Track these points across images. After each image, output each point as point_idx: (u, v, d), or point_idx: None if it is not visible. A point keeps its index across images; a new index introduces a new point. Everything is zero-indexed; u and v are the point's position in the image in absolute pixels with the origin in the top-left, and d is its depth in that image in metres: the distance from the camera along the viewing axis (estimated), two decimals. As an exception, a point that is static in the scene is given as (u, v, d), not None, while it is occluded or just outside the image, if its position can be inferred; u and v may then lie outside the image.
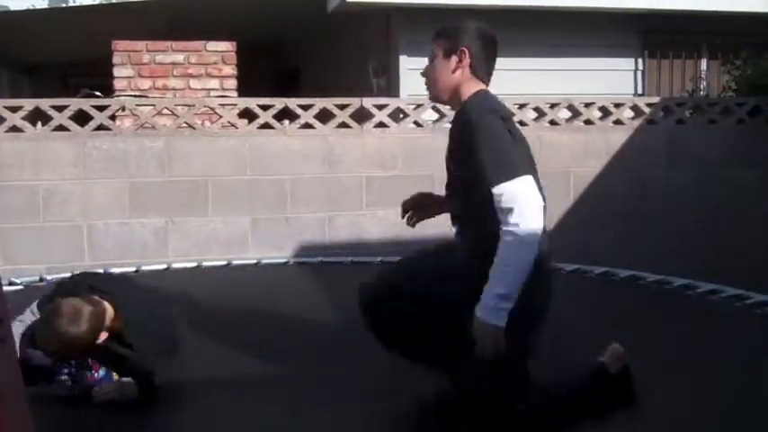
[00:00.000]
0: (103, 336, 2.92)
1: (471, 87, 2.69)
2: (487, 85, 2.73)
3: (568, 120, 6.55)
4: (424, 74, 2.83)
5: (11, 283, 5.06)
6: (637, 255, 5.99)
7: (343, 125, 6.07)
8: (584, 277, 5.37)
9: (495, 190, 2.44)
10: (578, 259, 5.60)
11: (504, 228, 2.41)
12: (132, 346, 3.01)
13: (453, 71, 2.70)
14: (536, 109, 6.45)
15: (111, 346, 2.99)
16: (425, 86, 2.84)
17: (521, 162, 2.50)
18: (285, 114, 6.14)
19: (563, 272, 5.47)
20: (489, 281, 2.45)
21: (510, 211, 2.41)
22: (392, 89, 7.56)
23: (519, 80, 7.48)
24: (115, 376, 3.06)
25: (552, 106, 6.46)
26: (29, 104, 5.71)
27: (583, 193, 6.47)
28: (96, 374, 3.07)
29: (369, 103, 6.15)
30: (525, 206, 2.41)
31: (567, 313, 4.25)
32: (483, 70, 2.71)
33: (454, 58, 2.68)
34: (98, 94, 6.49)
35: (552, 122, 6.46)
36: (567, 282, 5.27)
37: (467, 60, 2.67)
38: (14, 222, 5.47)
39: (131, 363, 3.00)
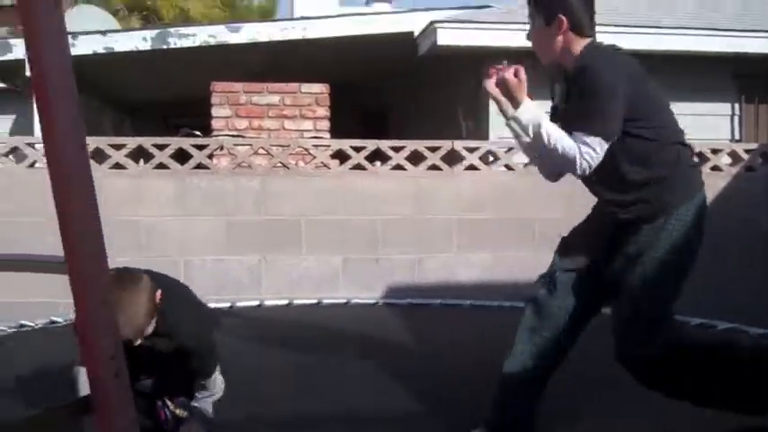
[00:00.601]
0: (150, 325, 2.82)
1: (578, 46, 2.74)
2: (593, 32, 2.80)
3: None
4: (528, 37, 2.91)
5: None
6: (736, 304, 5.81)
7: (434, 167, 6.11)
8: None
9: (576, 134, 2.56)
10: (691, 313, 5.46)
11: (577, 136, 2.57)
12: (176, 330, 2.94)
13: (556, 37, 2.75)
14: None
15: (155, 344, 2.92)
16: (533, 49, 2.91)
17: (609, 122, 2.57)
18: (376, 155, 6.22)
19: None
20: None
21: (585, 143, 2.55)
22: (481, 132, 7.57)
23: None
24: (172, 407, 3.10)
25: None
26: (132, 143, 5.94)
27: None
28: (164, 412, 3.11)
29: (460, 145, 6.19)
30: (581, 154, 2.58)
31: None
32: (585, 26, 2.76)
33: (554, 26, 2.73)
34: (197, 133, 6.71)
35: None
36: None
37: (566, 26, 2.72)
38: (117, 256, 5.64)
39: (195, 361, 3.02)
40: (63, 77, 1.12)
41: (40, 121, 1.14)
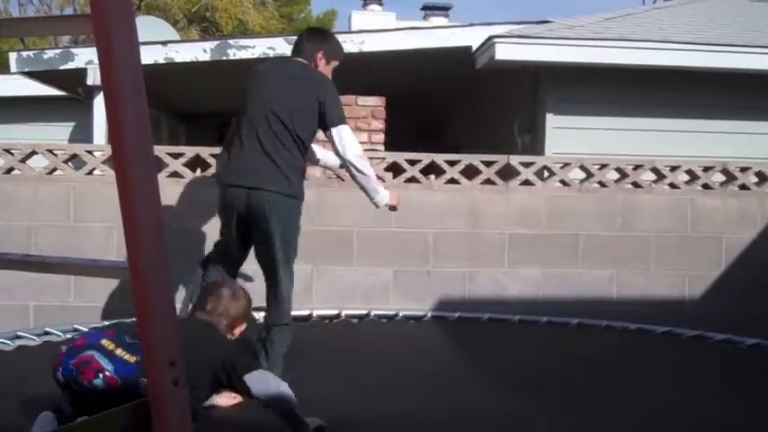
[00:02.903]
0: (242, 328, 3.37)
1: None
2: None
3: (722, 184, 6.33)
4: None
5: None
6: None
7: (489, 181, 6.08)
8: (735, 347, 5.13)
9: None
10: (729, 329, 5.37)
11: None
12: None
13: None
14: (688, 172, 6.27)
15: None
16: None
17: None
18: (431, 169, 6.21)
19: (713, 341, 5.27)
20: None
21: None
22: (537, 147, 7.53)
23: (671, 142, 7.32)
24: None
25: (706, 170, 6.26)
26: (189, 152, 6.02)
27: (736, 260, 6.21)
28: None
29: (515, 160, 6.15)
30: None
31: (717, 387, 4.08)
32: None
33: None
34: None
35: (705, 186, 6.26)
36: (715, 352, 5.06)
37: None
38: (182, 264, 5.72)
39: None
40: (135, 87, 1.14)
41: (109, 129, 1.17)
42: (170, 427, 1.29)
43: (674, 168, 6.23)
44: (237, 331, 3.42)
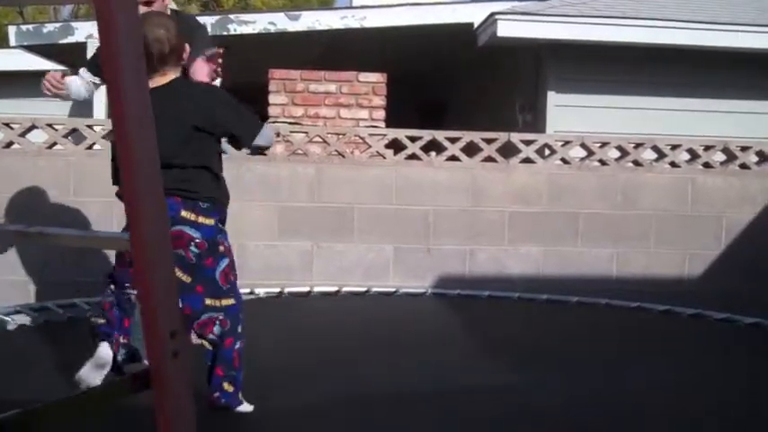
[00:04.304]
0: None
1: None
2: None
3: (723, 163, 6.33)
4: None
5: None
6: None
7: (489, 159, 6.08)
8: (733, 326, 5.15)
9: None
10: (729, 307, 5.38)
11: None
12: None
13: None
14: (689, 150, 6.26)
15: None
16: None
17: None
18: (432, 146, 6.20)
19: (711, 319, 5.29)
20: None
21: None
22: (538, 125, 7.51)
23: (672, 121, 7.31)
24: None
25: (707, 149, 6.25)
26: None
27: (736, 239, 6.22)
28: None
29: (516, 138, 6.14)
30: None
31: (714, 364, 4.10)
32: None
33: None
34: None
35: (706, 165, 6.25)
36: (713, 330, 5.09)
37: None
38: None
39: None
40: (136, 59, 1.13)
41: (110, 101, 1.16)
42: (170, 399, 1.29)
43: (674, 147, 6.21)
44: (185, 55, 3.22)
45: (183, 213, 2.99)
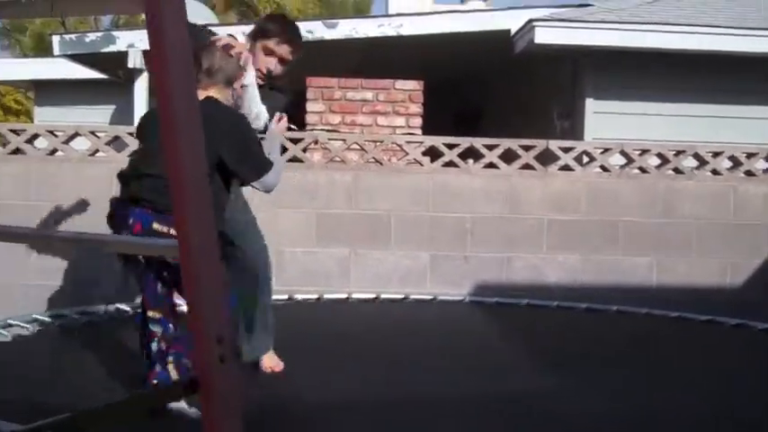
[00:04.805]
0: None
1: None
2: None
3: (766, 171, 6.24)
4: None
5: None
6: None
7: (527, 166, 6.05)
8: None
9: None
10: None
11: None
12: None
13: None
14: (731, 158, 6.18)
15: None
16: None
17: None
18: (469, 153, 6.19)
19: (755, 330, 5.21)
20: None
21: None
22: (576, 132, 7.46)
23: (713, 127, 7.23)
24: None
25: (749, 156, 6.17)
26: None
27: (779, 249, 6.12)
28: None
29: (555, 145, 6.11)
30: None
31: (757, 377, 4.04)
32: None
33: None
34: (293, 127, 6.78)
35: (748, 173, 6.16)
36: (756, 341, 5.01)
37: None
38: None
39: None
40: (185, 68, 1.15)
41: (159, 106, 1.18)
42: (217, 404, 1.31)
43: (716, 154, 6.14)
44: (238, 84, 3.28)
45: (156, 226, 2.93)
